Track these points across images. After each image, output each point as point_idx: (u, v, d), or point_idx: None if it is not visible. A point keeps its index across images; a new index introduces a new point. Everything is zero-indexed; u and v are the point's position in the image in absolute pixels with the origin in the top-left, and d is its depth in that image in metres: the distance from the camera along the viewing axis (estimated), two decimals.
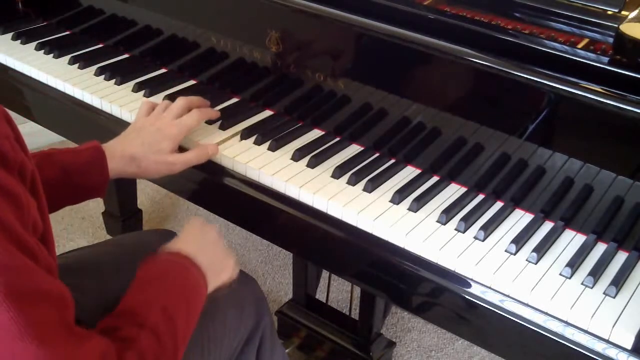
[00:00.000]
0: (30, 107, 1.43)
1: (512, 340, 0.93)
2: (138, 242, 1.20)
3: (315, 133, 1.21)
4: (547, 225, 1.02)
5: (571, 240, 1.00)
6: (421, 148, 1.12)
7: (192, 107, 1.16)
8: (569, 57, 0.95)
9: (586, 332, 0.87)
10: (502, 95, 1.02)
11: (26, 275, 0.65)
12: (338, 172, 1.10)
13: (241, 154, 1.13)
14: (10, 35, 1.49)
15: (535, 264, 0.94)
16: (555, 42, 0.99)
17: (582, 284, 0.91)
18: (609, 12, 0.98)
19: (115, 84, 1.33)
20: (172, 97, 1.22)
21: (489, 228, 0.99)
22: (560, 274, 0.93)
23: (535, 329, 0.89)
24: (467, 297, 0.94)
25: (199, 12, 1.30)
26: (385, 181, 1.09)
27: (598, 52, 0.95)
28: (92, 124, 1.31)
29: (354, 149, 1.17)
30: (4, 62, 1.43)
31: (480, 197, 1.07)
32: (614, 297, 0.89)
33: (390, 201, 1.05)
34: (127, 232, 1.83)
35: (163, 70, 1.39)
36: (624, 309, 0.88)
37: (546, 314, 0.89)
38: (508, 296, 0.91)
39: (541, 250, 0.96)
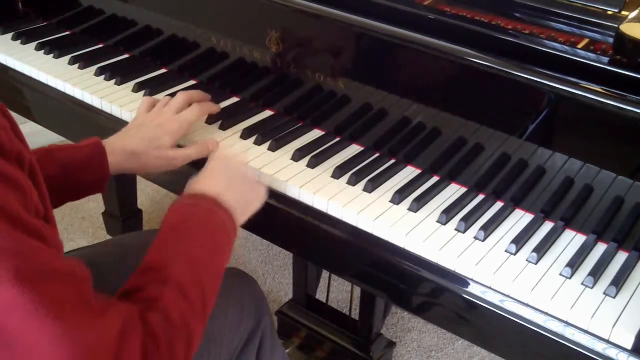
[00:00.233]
0: (30, 107, 1.43)
1: (512, 340, 0.93)
2: (138, 242, 1.20)
3: (315, 133, 1.21)
4: (547, 225, 1.02)
5: (571, 240, 0.99)
6: (421, 148, 1.12)
7: (192, 102, 1.16)
8: (569, 57, 0.95)
9: (586, 332, 0.87)
10: (502, 95, 1.02)
11: (35, 257, 0.64)
12: (338, 172, 1.10)
13: (241, 154, 1.13)
14: (10, 35, 1.49)
15: (535, 264, 0.94)
16: (555, 42, 0.99)
17: (582, 284, 0.91)
18: (609, 12, 0.98)
19: (115, 84, 1.33)
20: (172, 97, 1.22)
21: (489, 228, 0.99)
22: (560, 274, 0.93)
23: (535, 329, 0.89)
24: (467, 297, 0.94)
25: (199, 12, 1.30)
26: (385, 181, 1.09)
27: (598, 52, 0.95)
28: (92, 124, 1.31)
29: (354, 149, 1.17)
30: (4, 62, 1.43)
31: (480, 197, 1.07)
32: (614, 297, 0.89)
33: (390, 201, 1.05)
34: (127, 232, 1.83)
35: (163, 70, 1.39)
36: (624, 309, 0.88)
37: (546, 314, 0.89)
38: (508, 296, 0.91)
39: (541, 250, 0.96)
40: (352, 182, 1.08)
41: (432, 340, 1.83)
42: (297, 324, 1.62)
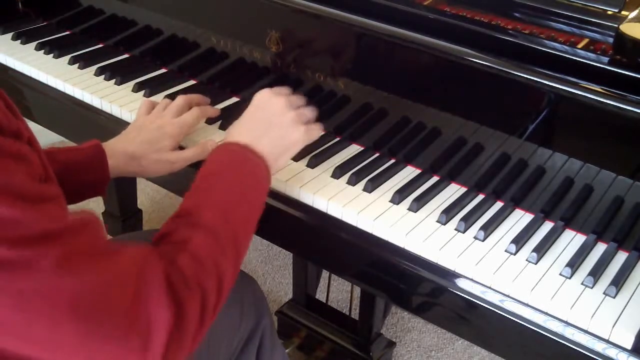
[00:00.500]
0: (30, 107, 1.43)
1: (512, 340, 0.93)
2: (138, 242, 1.20)
3: None
4: (547, 225, 1.02)
5: (571, 240, 0.99)
6: (421, 148, 1.12)
7: (192, 105, 1.16)
8: (569, 57, 0.95)
9: (586, 332, 0.87)
10: (502, 95, 1.02)
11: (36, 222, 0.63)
12: (338, 172, 1.10)
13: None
14: (10, 35, 1.49)
15: (535, 264, 0.94)
16: (555, 42, 0.99)
17: (582, 284, 0.91)
18: (609, 12, 0.98)
19: (115, 84, 1.33)
20: (172, 97, 1.22)
21: (489, 228, 0.99)
22: (560, 274, 0.93)
23: (535, 329, 0.89)
24: (467, 297, 0.94)
25: (199, 12, 1.30)
26: (385, 181, 1.09)
27: (598, 52, 0.95)
28: (92, 124, 1.31)
29: (354, 149, 1.17)
30: (4, 62, 1.43)
31: (480, 197, 1.07)
32: (614, 297, 0.89)
33: (390, 201, 1.05)
34: (127, 232, 1.83)
35: (163, 70, 1.39)
36: (624, 309, 0.88)
37: (546, 314, 0.89)
38: (508, 296, 0.91)
39: (541, 250, 0.96)
40: (352, 182, 1.08)
41: (432, 340, 1.83)
42: (297, 324, 1.62)
